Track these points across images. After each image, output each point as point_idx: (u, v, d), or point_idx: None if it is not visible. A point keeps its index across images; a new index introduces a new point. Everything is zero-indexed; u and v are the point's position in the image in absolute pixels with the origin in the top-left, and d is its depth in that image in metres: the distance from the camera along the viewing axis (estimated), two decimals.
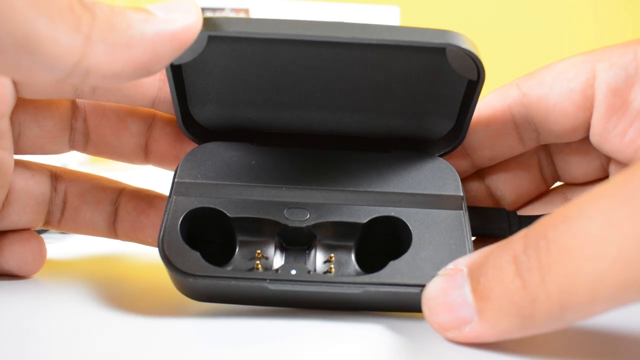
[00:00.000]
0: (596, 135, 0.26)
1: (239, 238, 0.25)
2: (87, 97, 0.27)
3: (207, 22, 0.22)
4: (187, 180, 0.26)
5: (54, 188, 0.28)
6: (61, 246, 0.34)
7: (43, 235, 0.29)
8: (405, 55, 0.25)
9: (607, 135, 0.26)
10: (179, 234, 0.24)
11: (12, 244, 0.27)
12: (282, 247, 0.25)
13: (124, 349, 0.21)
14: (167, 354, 0.20)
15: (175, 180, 0.26)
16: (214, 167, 0.26)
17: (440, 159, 0.27)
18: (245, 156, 0.27)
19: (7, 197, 0.27)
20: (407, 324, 0.23)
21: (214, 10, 0.74)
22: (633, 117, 0.25)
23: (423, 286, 0.22)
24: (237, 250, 0.25)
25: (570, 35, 0.99)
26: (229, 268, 0.24)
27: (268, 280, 0.22)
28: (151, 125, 0.28)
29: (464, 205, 0.25)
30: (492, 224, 0.27)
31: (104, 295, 0.26)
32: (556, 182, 0.29)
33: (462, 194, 0.26)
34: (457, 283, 0.20)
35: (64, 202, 0.28)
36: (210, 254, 0.23)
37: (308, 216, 0.25)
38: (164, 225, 0.24)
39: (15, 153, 0.27)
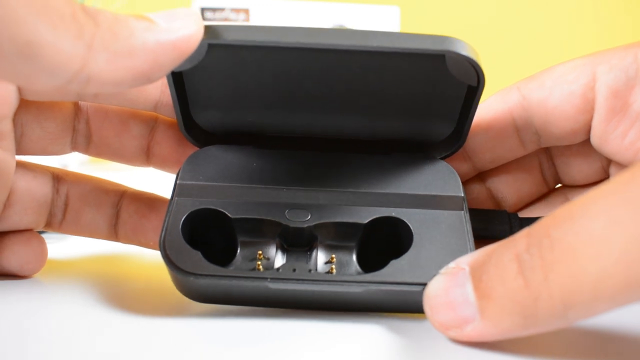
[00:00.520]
0: (597, 137, 0.26)
1: (240, 239, 0.25)
2: (89, 100, 0.27)
3: (207, 30, 0.22)
4: (189, 182, 0.26)
5: (55, 190, 0.28)
6: (61, 246, 0.34)
7: (43, 235, 0.29)
8: (405, 61, 0.25)
9: (607, 137, 0.26)
10: (181, 234, 0.24)
11: (13, 244, 0.27)
12: (284, 248, 0.25)
13: (124, 349, 0.21)
14: (167, 355, 0.20)
15: (177, 182, 0.26)
16: (215, 170, 0.27)
17: (441, 161, 0.27)
18: (247, 159, 0.27)
19: (8, 198, 0.27)
20: (407, 325, 0.23)
21: (214, 10, 0.74)
22: (633, 119, 0.25)
23: (425, 285, 0.22)
24: (238, 251, 0.25)
25: (571, 35, 0.99)
26: (231, 269, 0.24)
27: (269, 279, 0.22)
28: (153, 128, 0.28)
29: (465, 205, 0.25)
30: (493, 225, 0.27)
31: (104, 296, 0.26)
32: (557, 184, 0.29)
33: (462, 195, 0.26)
34: (458, 282, 0.20)
35: (66, 204, 0.29)
36: (211, 255, 0.23)
37: (309, 217, 0.25)
38: (165, 225, 0.24)
39: (17, 154, 0.27)
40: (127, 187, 0.29)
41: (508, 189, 0.29)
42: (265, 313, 0.24)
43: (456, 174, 0.27)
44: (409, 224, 0.25)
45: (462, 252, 0.23)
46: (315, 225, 0.25)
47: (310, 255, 0.25)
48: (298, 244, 0.25)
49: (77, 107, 0.28)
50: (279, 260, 0.25)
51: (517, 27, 0.99)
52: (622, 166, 0.27)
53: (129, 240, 0.29)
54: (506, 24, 0.99)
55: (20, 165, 0.27)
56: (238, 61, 0.25)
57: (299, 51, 0.24)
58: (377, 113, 0.27)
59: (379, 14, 0.77)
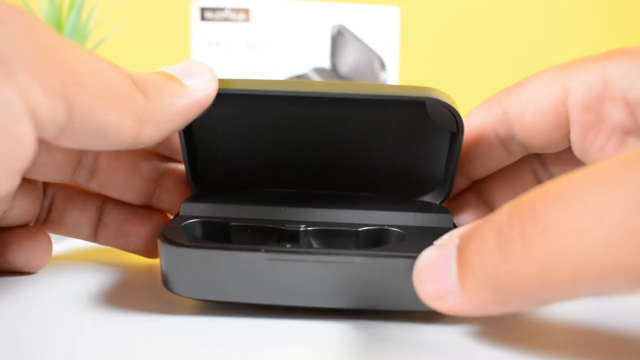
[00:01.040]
0: (577, 150, 0.26)
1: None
2: None
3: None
4: (193, 202, 0.27)
5: (43, 192, 0.29)
6: (60, 247, 0.35)
7: None
8: (392, 111, 0.27)
9: (587, 151, 0.26)
10: (181, 231, 0.25)
11: (21, 239, 0.28)
12: None
13: (120, 348, 0.21)
14: (162, 354, 0.20)
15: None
16: (220, 195, 0.28)
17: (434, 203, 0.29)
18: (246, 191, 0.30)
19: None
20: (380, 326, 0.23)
21: (214, 10, 0.74)
22: (608, 133, 0.25)
23: (416, 257, 0.22)
24: None
25: (571, 35, 0.99)
26: None
27: (263, 250, 0.22)
28: (163, 174, 0.29)
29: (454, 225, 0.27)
30: None
31: (101, 295, 0.26)
32: None
33: (452, 222, 0.27)
34: (447, 253, 0.19)
35: (51, 205, 0.29)
36: None
37: (305, 226, 0.26)
38: (166, 225, 0.25)
39: None
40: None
41: (505, 200, 0.29)
42: (253, 312, 0.24)
43: (448, 211, 0.28)
44: (402, 231, 0.26)
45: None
46: (311, 230, 0.25)
47: None
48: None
49: None
50: None
51: (517, 27, 0.99)
52: None
53: (108, 242, 0.30)
54: (506, 24, 0.99)
55: None
56: (237, 113, 0.27)
57: (292, 103, 0.27)
58: (369, 161, 0.29)
59: (378, 14, 0.77)
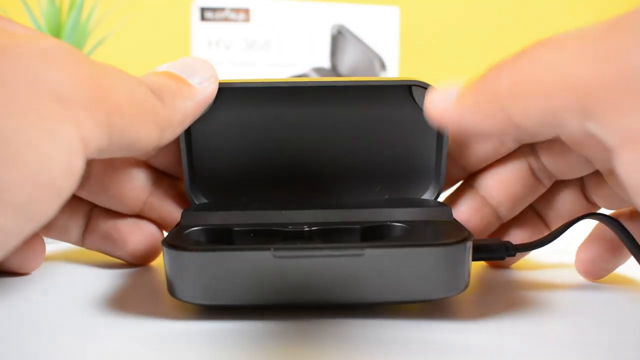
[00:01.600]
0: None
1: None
2: None
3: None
4: (194, 211, 0.27)
5: None
6: (58, 247, 0.35)
7: None
8: (382, 108, 0.28)
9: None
10: (185, 237, 0.25)
11: None
12: None
13: (120, 353, 0.21)
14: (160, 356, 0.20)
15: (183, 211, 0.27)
16: (219, 204, 0.29)
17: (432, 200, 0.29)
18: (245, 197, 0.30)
19: None
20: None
21: (214, 10, 0.74)
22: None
23: (424, 245, 0.22)
24: None
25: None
26: None
27: (272, 248, 0.22)
28: (155, 183, 0.29)
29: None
30: (490, 254, 0.28)
31: (101, 295, 0.26)
32: (553, 181, 0.29)
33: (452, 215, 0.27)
34: (452, 87, 0.23)
35: None
36: None
37: (307, 227, 0.26)
38: (170, 232, 0.25)
39: None
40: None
41: (501, 194, 0.29)
42: (259, 316, 0.24)
43: (446, 204, 0.28)
44: (405, 225, 0.26)
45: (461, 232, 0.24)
46: (315, 230, 0.26)
47: None
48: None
49: None
50: None
51: (517, 27, 0.99)
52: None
53: (95, 247, 0.30)
54: (506, 24, 0.99)
55: None
56: (232, 122, 0.28)
57: (286, 102, 0.28)
58: (364, 163, 0.29)
59: (378, 14, 0.77)
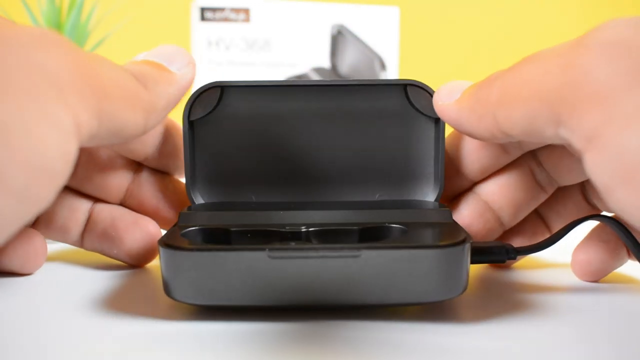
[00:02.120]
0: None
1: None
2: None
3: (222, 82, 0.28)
4: (192, 212, 0.27)
5: None
6: (56, 248, 0.34)
7: None
8: (379, 110, 0.29)
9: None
10: (181, 237, 0.24)
11: (15, 241, 0.28)
12: None
13: (112, 352, 0.21)
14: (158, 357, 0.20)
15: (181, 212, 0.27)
16: (217, 205, 0.29)
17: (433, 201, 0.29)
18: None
19: None
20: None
21: (214, 10, 0.74)
22: None
23: (421, 247, 0.22)
24: None
25: (570, 35, 0.99)
26: None
27: (268, 249, 0.22)
28: (136, 171, 0.30)
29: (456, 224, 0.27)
30: (491, 256, 0.27)
31: (101, 295, 0.26)
32: (555, 187, 0.29)
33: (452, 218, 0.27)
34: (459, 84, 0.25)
35: None
36: None
37: (305, 228, 0.26)
38: (167, 232, 0.25)
39: None
40: (98, 197, 0.30)
41: (503, 200, 0.29)
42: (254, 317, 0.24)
43: (445, 206, 0.28)
44: (403, 227, 0.26)
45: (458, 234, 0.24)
46: (312, 231, 0.26)
47: None
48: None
49: None
50: None
51: (517, 27, 0.99)
52: None
53: (94, 247, 0.30)
54: (506, 23, 0.99)
55: None
56: (235, 121, 0.29)
57: (285, 104, 0.29)
58: (363, 165, 0.30)
59: (378, 14, 0.77)
